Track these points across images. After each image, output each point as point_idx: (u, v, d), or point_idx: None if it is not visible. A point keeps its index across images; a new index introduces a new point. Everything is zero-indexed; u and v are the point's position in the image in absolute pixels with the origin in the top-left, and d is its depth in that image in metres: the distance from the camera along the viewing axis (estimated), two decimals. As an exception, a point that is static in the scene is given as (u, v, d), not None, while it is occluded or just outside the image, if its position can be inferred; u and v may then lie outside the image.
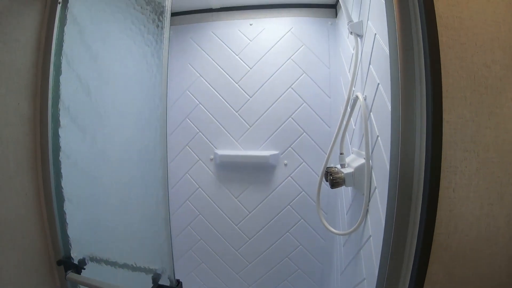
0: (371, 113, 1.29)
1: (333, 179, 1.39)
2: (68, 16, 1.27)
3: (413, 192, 0.89)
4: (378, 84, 1.18)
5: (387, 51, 1.00)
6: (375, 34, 1.22)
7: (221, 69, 2.16)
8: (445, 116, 0.85)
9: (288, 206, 2.12)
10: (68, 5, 1.26)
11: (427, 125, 0.86)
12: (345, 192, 1.73)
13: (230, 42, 2.16)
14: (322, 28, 2.07)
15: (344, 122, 1.50)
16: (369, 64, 1.31)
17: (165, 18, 1.11)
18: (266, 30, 2.11)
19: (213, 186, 2.22)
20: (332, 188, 1.41)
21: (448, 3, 0.88)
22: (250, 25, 2.13)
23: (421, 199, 0.87)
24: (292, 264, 2.18)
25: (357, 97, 1.38)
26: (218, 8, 2.19)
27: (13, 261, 1.13)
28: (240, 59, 2.13)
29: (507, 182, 0.87)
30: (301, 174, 2.09)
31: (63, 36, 1.26)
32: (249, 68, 2.12)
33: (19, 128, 1.17)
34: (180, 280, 1.12)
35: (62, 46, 1.26)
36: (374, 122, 1.25)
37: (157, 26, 1.15)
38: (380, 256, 0.97)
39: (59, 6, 1.25)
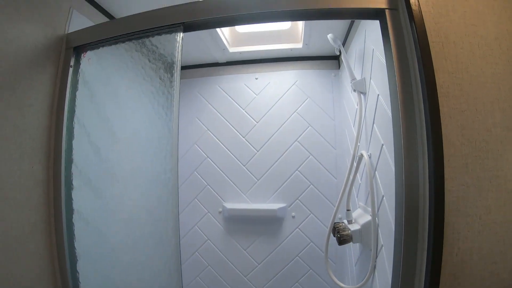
0: (376, 172, 1.31)
1: (341, 237, 1.39)
2: (79, 80, 1.34)
3: (417, 257, 0.90)
4: (382, 145, 1.22)
5: (390, 115, 1.04)
6: (378, 95, 1.27)
7: (228, 123, 2.22)
8: (447, 185, 0.88)
9: (297, 257, 2.10)
10: (80, 69, 1.34)
11: (429, 195, 0.88)
12: (353, 245, 1.72)
13: (237, 97, 2.23)
14: (326, 80, 2.14)
15: (350, 179, 1.52)
16: (373, 123, 1.34)
17: (175, 75, 1.16)
18: (271, 84, 2.18)
19: (222, 238, 2.21)
20: (339, 245, 1.41)
21: (448, 71, 0.93)
22: (256, 79, 2.21)
23: (425, 264, 0.88)
24: None
25: (362, 155, 1.41)
26: (224, 62, 2.28)
27: None
28: (247, 113, 2.19)
29: (510, 240, 0.89)
30: (309, 226, 2.09)
31: (75, 99, 1.32)
32: (255, 122, 2.17)
33: (33, 190, 1.21)
34: None
35: (74, 109, 1.32)
36: (379, 181, 1.27)
37: (167, 82, 1.20)
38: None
39: (70, 70, 1.31)
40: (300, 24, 1.96)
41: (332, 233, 1.47)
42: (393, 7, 1.01)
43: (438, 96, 0.90)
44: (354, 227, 1.41)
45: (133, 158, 1.35)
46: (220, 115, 2.25)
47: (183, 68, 2.36)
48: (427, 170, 0.88)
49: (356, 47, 1.63)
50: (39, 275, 1.21)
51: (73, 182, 1.29)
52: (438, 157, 0.87)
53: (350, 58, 1.76)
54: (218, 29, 1.84)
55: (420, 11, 0.95)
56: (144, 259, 1.30)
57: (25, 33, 1.15)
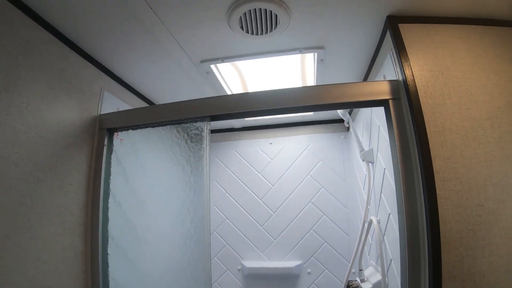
0: (384, 236, 1.42)
1: None
2: (113, 158, 1.50)
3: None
4: (389, 214, 1.33)
5: (394, 190, 1.16)
6: (384, 168, 1.40)
7: (245, 186, 2.36)
8: (444, 257, 0.99)
9: None
10: (113, 148, 1.50)
11: (428, 265, 0.99)
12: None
13: (253, 161, 2.39)
14: (336, 142, 2.29)
15: (362, 241, 1.62)
16: (381, 192, 1.47)
17: (204, 160, 1.31)
18: (285, 149, 2.34)
19: None
20: None
21: (444, 157, 1.06)
22: (270, 143, 2.37)
23: None
24: None
25: (371, 221, 1.52)
26: (240, 128, 2.46)
27: None
28: (263, 177, 2.34)
29: None
30: (324, 281, 2.15)
31: (109, 177, 1.48)
32: (271, 185, 2.31)
33: (73, 261, 1.33)
34: None
35: (109, 186, 1.47)
36: (387, 245, 1.38)
37: (197, 162, 1.34)
38: None
39: (105, 149, 1.47)
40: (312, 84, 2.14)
41: (346, 291, 1.56)
42: (395, 97, 1.17)
43: (435, 181, 1.03)
44: (366, 285, 1.49)
45: (160, 224, 1.49)
46: (237, 179, 2.40)
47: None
48: (426, 245, 1.01)
49: (363, 117, 1.79)
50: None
51: (108, 251, 1.43)
52: (435, 234, 0.99)
53: (358, 126, 1.91)
54: (233, 92, 1.98)
55: (419, 103, 1.10)
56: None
57: (63, 118, 1.32)
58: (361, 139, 1.77)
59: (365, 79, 1.66)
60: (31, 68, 1.16)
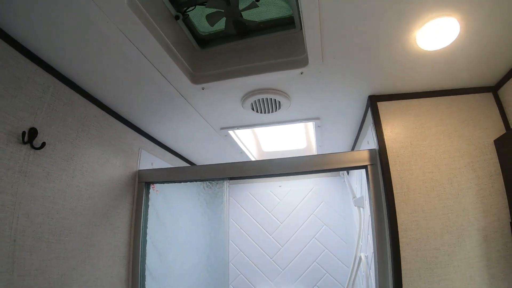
0: (370, 270, 1.71)
1: None
2: (150, 206, 1.85)
3: None
4: (373, 252, 1.63)
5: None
6: (369, 216, 1.70)
7: (257, 223, 2.68)
8: None
9: None
10: (150, 198, 1.85)
11: None
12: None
13: (264, 201, 2.71)
14: (337, 185, 2.60)
15: (354, 273, 1.91)
16: (368, 233, 1.77)
17: (225, 210, 1.66)
18: (292, 191, 2.66)
19: None
20: None
21: (407, 212, 1.34)
22: (279, 186, 2.70)
23: None
24: None
25: (361, 257, 1.82)
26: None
27: None
28: (273, 215, 2.65)
29: None
30: None
31: (147, 221, 1.83)
32: (280, 223, 2.62)
33: (119, 286, 1.67)
34: None
35: (147, 227, 1.82)
36: (371, 277, 1.67)
37: (219, 212, 1.69)
38: None
39: (143, 198, 1.83)
40: (314, 143, 2.45)
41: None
42: (373, 163, 1.47)
43: (398, 231, 1.31)
44: None
45: (187, 262, 1.80)
46: (250, 217, 2.71)
47: (234, 178, 2.86)
48: (391, 279, 1.29)
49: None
50: None
51: (145, 280, 1.77)
52: (397, 271, 1.27)
53: (353, 174, 2.23)
54: (248, 149, 2.35)
55: (389, 170, 1.39)
56: None
57: (112, 175, 1.69)
58: (355, 186, 2.08)
59: (356, 140, 1.99)
60: (88, 139, 1.53)
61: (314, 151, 2.50)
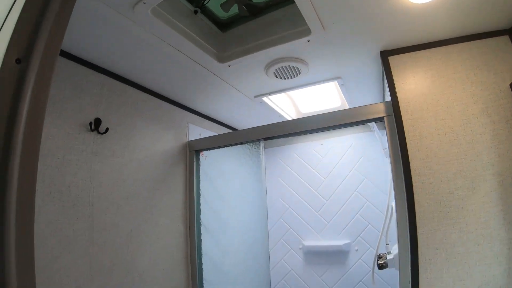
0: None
1: (379, 264, 1.91)
2: (201, 169, 2.14)
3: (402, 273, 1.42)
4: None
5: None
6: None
7: (303, 181, 2.87)
8: (419, 230, 1.36)
9: (360, 282, 2.56)
10: (200, 163, 2.14)
11: (409, 235, 1.38)
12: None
13: (308, 160, 2.88)
14: (375, 139, 2.65)
15: (387, 222, 2.03)
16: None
17: (262, 165, 1.87)
18: (333, 148, 2.79)
19: (302, 268, 2.80)
20: (379, 269, 1.91)
21: (420, 158, 1.41)
22: (321, 145, 2.84)
23: (409, 277, 1.36)
24: None
25: (392, 206, 1.95)
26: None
27: None
28: (316, 172, 2.82)
29: (473, 264, 1.26)
30: (369, 257, 2.54)
31: (199, 182, 2.13)
32: (323, 179, 2.79)
33: (179, 239, 2.01)
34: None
35: (200, 188, 2.12)
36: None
37: (257, 167, 1.90)
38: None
39: (195, 164, 2.13)
40: (345, 101, 2.50)
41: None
42: (388, 114, 1.56)
43: (412, 175, 1.40)
44: (390, 256, 1.91)
45: (237, 215, 2.07)
46: (296, 175, 2.91)
47: (268, 138, 3.08)
48: (408, 221, 1.39)
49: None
50: (183, 286, 2.00)
51: (201, 232, 2.08)
52: (412, 213, 1.38)
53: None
54: (286, 112, 2.53)
55: (401, 119, 1.47)
56: (246, 284, 1.97)
57: (166, 147, 2.00)
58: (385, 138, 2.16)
59: (383, 95, 2.06)
60: (142, 120, 1.84)
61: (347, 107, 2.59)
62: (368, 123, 2.28)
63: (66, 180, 1.41)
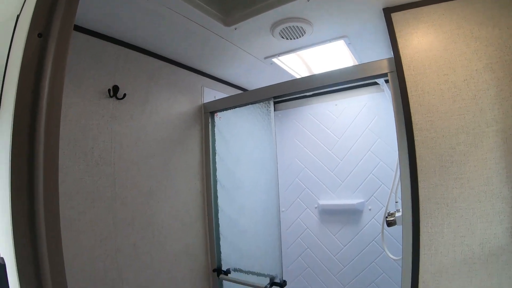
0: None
1: (388, 221, 1.98)
2: (216, 130, 2.24)
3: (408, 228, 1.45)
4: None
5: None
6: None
7: (318, 141, 2.91)
8: (420, 184, 1.40)
9: (373, 241, 2.64)
10: (215, 123, 2.24)
11: (411, 189, 1.42)
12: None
13: (322, 120, 2.91)
14: (388, 99, 2.64)
15: (396, 180, 2.08)
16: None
17: (271, 123, 1.94)
18: (347, 108, 2.80)
19: (317, 227, 2.90)
20: (388, 227, 1.99)
21: (422, 113, 1.43)
22: (335, 105, 2.86)
23: (411, 231, 1.42)
24: None
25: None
26: (311, 94, 2.98)
27: (192, 269, 2.08)
28: (331, 132, 2.85)
29: (475, 221, 1.29)
30: (382, 216, 2.52)
31: (215, 142, 2.23)
32: (337, 139, 2.82)
33: (196, 195, 2.15)
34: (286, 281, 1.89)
35: (215, 148, 2.23)
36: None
37: (268, 125, 1.97)
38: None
39: (210, 125, 2.23)
40: (356, 61, 2.45)
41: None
42: (392, 70, 1.57)
43: (414, 130, 1.43)
44: (398, 214, 1.96)
45: (251, 173, 2.16)
46: (311, 135, 2.95)
47: (282, 101, 3.16)
48: (409, 175, 1.44)
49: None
50: (198, 244, 2.15)
51: (217, 189, 2.21)
52: (414, 167, 1.41)
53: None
54: (297, 73, 2.55)
55: (403, 75, 1.48)
56: (259, 239, 2.10)
57: (182, 109, 2.10)
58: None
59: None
60: (158, 85, 1.94)
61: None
62: (378, 82, 2.31)
63: (89, 143, 1.55)
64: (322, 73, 1.80)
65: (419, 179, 1.41)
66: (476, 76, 1.35)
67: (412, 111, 1.45)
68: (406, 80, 1.48)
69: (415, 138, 1.44)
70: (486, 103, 1.33)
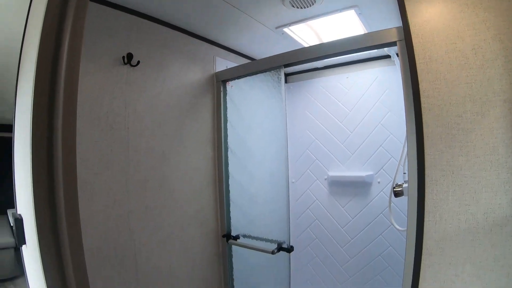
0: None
1: (395, 192, 2.00)
2: (227, 98, 2.28)
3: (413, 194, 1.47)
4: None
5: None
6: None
7: (328, 113, 2.93)
8: (426, 150, 1.40)
9: (381, 214, 2.67)
10: (227, 92, 2.28)
11: (417, 156, 1.43)
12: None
13: (334, 93, 2.91)
14: (399, 73, 2.62)
15: (405, 151, 2.08)
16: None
17: (282, 90, 1.97)
18: (358, 81, 2.79)
19: (326, 198, 2.95)
20: (395, 197, 2.01)
21: (429, 80, 1.42)
22: (347, 78, 2.85)
23: (416, 198, 1.43)
24: (384, 262, 2.69)
25: (409, 133, 1.99)
26: (322, 67, 2.98)
27: (202, 233, 2.17)
28: (342, 104, 2.86)
29: (479, 190, 1.27)
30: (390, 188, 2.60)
31: (226, 110, 2.28)
32: (348, 111, 2.82)
33: (208, 161, 2.22)
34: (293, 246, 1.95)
35: (227, 115, 2.27)
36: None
37: (278, 93, 2.01)
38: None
39: (222, 93, 2.27)
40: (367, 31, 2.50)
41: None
42: (400, 39, 1.57)
43: (421, 97, 1.42)
44: (406, 185, 1.97)
45: (261, 141, 2.21)
46: (322, 107, 2.97)
47: (295, 73, 3.17)
48: (416, 141, 1.44)
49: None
50: (209, 209, 2.23)
51: (229, 157, 2.26)
52: (420, 134, 1.42)
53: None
54: (308, 44, 2.52)
55: (411, 42, 1.46)
56: (269, 203, 2.16)
57: (194, 78, 2.15)
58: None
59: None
60: (171, 54, 1.98)
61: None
62: (390, 55, 2.29)
63: (103, 108, 1.61)
64: (331, 41, 1.80)
65: (425, 145, 1.41)
66: (484, 46, 1.33)
67: (419, 78, 1.44)
68: (414, 47, 1.46)
69: (422, 105, 1.43)
70: (493, 73, 1.31)
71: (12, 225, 1.34)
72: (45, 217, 1.12)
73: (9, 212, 4.80)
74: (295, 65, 1.97)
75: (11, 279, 4.17)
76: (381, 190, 2.68)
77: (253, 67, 2.13)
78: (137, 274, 1.73)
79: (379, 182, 2.70)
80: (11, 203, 1.38)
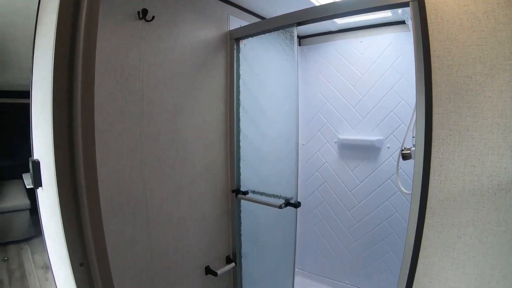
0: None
1: (403, 154, 2.03)
2: (240, 56, 2.30)
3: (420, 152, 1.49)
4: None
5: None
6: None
7: (341, 76, 2.92)
8: (434, 109, 1.41)
9: (389, 179, 2.71)
10: (240, 50, 2.30)
11: (425, 114, 1.44)
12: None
13: (347, 56, 2.88)
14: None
15: (415, 115, 2.09)
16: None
17: (295, 50, 1.98)
18: (372, 46, 2.76)
19: (336, 161, 2.99)
20: (403, 160, 2.04)
21: (440, 40, 1.41)
22: (361, 42, 2.81)
23: (423, 156, 1.45)
24: (389, 227, 2.75)
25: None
26: (337, 30, 2.95)
27: (212, 187, 2.25)
28: (355, 68, 2.84)
29: (486, 152, 1.28)
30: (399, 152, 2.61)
31: (239, 67, 2.30)
32: (361, 75, 2.81)
33: (219, 117, 2.27)
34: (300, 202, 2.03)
35: (239, 73, 2.30)
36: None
37: (291, 53, 2.02)
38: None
39: (235, 52, 2.29)
40: None
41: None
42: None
43: (431, 56, 1.42)
44: (414, 149, 1.99)
45: (273, 100, 2.24)
46: (335, 71, 2.95)
47: (309, 36, 3.14)
48: (424, 100, 1.45)
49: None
50: (220, 164, 2.31)
51: (240, 113, 2.30)
52: (429, 92, 1.43)
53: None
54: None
55: (424, 3, 1.44)
56: (279, 161, 2.22)
57: (208, 35, 2.17)
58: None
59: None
60: (185, 11, 2.00)
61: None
62: (405, 21, 2.26)
63: (119, 60, 1.65)
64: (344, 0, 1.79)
65: (433, 104, 1.42)
66: (497, 9, 1.30)
67: (430, 38, 1.43)
68: (426, 8, 1.45)
69: (432, 64, 1.43)
70: (505, 37, 1.29)
71: (30, 172, 1.44)
72: (64, 159, 1.19)
73: (25, 176, 5.00)
74: (308, 23, 1.95)
75: (27, 239, 4.43)
76: (390, 156, 2.70)
77: (266, 25, 2.13)
78: (148, 223, 1.82)
79: (388, 147, 2.71)
80: (26, 169, 1.46)
